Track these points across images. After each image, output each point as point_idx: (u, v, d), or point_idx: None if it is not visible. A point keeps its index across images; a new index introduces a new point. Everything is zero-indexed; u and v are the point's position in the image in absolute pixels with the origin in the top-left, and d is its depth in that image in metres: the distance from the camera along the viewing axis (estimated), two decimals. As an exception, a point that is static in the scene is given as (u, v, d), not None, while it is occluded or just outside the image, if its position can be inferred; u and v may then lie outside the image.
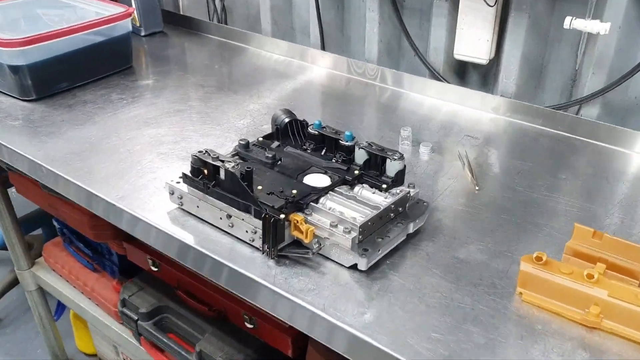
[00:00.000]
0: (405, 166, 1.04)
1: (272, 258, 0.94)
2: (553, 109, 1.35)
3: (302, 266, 0.94)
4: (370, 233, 0.94)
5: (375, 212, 0.95)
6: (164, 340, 1.40)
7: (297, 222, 0.93)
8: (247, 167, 0.96)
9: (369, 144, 1.07)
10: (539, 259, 0.88)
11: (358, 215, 0.96)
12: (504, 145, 1.33)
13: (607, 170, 1.22)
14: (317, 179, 1.03)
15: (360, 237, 0.92)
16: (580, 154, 1.28)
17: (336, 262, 0.95)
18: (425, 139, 1.32)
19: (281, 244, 0.94)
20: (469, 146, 1.31)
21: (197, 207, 1.04)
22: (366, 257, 0.90)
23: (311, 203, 0.97)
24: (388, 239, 0.95)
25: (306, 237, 0.93)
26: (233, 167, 0.96)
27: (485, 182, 1.17)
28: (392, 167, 1.03)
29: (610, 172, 1.21)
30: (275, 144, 1.14)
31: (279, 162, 1.08)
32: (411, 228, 1.00)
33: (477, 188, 1.15)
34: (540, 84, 1.44)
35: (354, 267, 0.93)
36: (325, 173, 1.05)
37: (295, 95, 1.57)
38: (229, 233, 1.01)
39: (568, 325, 0.84)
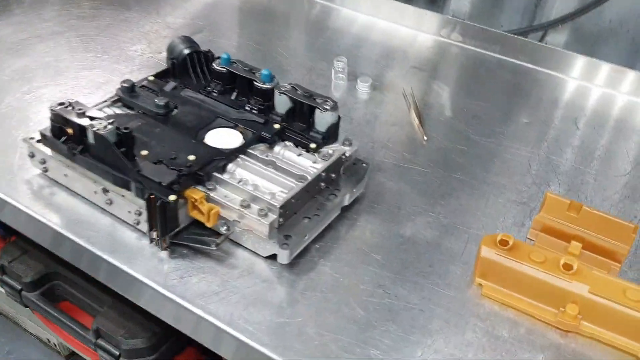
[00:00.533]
0: (339, 118, 0.82)
1: (163, 249, 0.71)
2: (513, 34, 1.13)
3: (204, 257, 0.72)
4: (294, 212, 0.73)
5: (300, 184, 0.73)
6: (55, 314, 1.17)
7: (196, 200, 0.71)
8: (125, 128, 0.71)
9: (292, 87, 0.83)
10: (504, 242, 0.70)
11: (278, 189, 0.73)
12: (457, 79, 1.11)
13: (576, 112, 1.03)
14: (224, 137, 0.79)
15: (281, 219, 0.70)
16: (545, 90, 1.08)
17: (251, 250, 0.73)
18: (364, 71, 1.09)
19: (176, 229, 0.72)
20: (415, 81, 1.08)
21: (65, 175, 0.78)
22: (288, 248, 0.69)
23: (215, 173, 0.73)
24: (317, 219, 0.74)
25: (208, 220, 0.71)
26: (105, 127, 0.70)
27: (435, 129, 0.97)
28: (322, 120, 0.80)
29: (580, 114, 1.03)
30: (171, 85, 0.87)
31: (174, 112, 0.82)
32: (347, 200, 0.79)
33: (425, 138, 0.94)
34: (499, 4, 1.21)
35: (273, 256, 0.72)
36: (236, 127, 0.81)
37: (205, 12, 1.27)
38: (108, 211, 0.77)
39: (539, 329, 0.68)
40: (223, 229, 0.73)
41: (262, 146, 0.80)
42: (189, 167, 0.72)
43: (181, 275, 0.70)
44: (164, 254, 0.72)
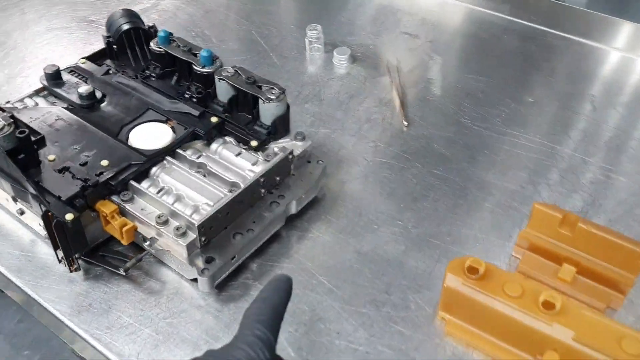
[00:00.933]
0: (288, 108, 0.69)
1: (71, 271, 0.62)
2: (527, -10, 0.95)
3: (122, 279, 0.62)
4: (224, 227, 0.61)
5: (231, 194, 0.61)
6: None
7: (107, 215, 0.60)
8: (20, 132, 0.60)
9: (235, 71, 0.70)
10: (472, 270, 0.56)
11: (204, 200, 0.62)
12: (454, 48, 0.95)
13: (597, 87, 0.86)
14: (151, 134, 0.67)
15: (204, 239, 0.59)
16: (560, 60, 0.91)
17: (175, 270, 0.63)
18: (345, 40, 0.94)
19: (87, 248, 0.62)
20: (404, 50, 0.93)
21: (-21, 179, 0.69)
22: (208, 275, 0.58)
23: (132, 182, 0.62)
24: (251, 235, 0.62)
25: (122, 237, 0.60)
26: (1, 129, 0.60)
27: (420, 111, 0.82)
28: (267, 112, 0.68)
29: (600, 90, 0.85)
30: (103, 69, 0.76)
31: (102, 103, 0.71)
32: (294, 208, 0.67)
33: (405, 123, 0.80)
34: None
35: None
36: (167, 121, 0.69)
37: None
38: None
39: (510, 378, 0.55)
40: (146, 245, 0.63)
41: (197, 144, 0.68)
42: (99, 176, 0.61)
43: (90, 302, 0.60)
44: (77, 274, 0.63)
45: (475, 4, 0.99)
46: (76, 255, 0.61)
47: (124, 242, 0.61)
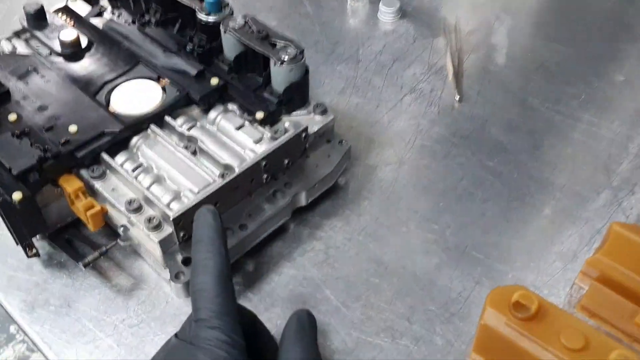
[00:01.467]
0: (307, 73, 0.55)
1: (29, 256, 0.52)
2: None
3: (88, 271, 0.52)
4: (209, 219, 0.50)
5: (222, 180, 0.49)
6: None
7: (70, 194, 0.49)
8: (-30, 86, 0.49)
9: (246, 22, 0.56)
10: (519, 306, 0.43)
11: (189, 185, 0.50)
12: (529, 6, 0.77)
13: None
14: (138, 94, 0.55)
15: (182, 234, 0.48)
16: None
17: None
18: (395, -10, 0.78)
19: (48, 230, 0.52)
20: (466, 6, 0.76)
21: (-56, 133, 0.59)
22: (182, 282, 0.47)
23: (103, 154, 0.51)
24: (244, 232, 0.50)
25: (88, 221, 0.49)
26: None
27: (478, 84, 0.67)
28: (279, 77, 0.54)
29: None
30: (94, 10, 0.64)
31: (87, 53, 0.59)
32: (303, 200, 0.54)
33: (457, 98, 0.65)
34: None
35: (178, 279, 0.50)
36: (159, 79, 0.57)
37: None
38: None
39: None
40: (120, 230, 0.52)
41: (194, 110, 0.56)
42: (63, 145, 0.50)
43: (48, 296, 0.50)
44: (38, 259, 0.53)
45: (560, -48, 0.81)
46: (38, 237, 0.52)
47: (91, 228, 0.50)
